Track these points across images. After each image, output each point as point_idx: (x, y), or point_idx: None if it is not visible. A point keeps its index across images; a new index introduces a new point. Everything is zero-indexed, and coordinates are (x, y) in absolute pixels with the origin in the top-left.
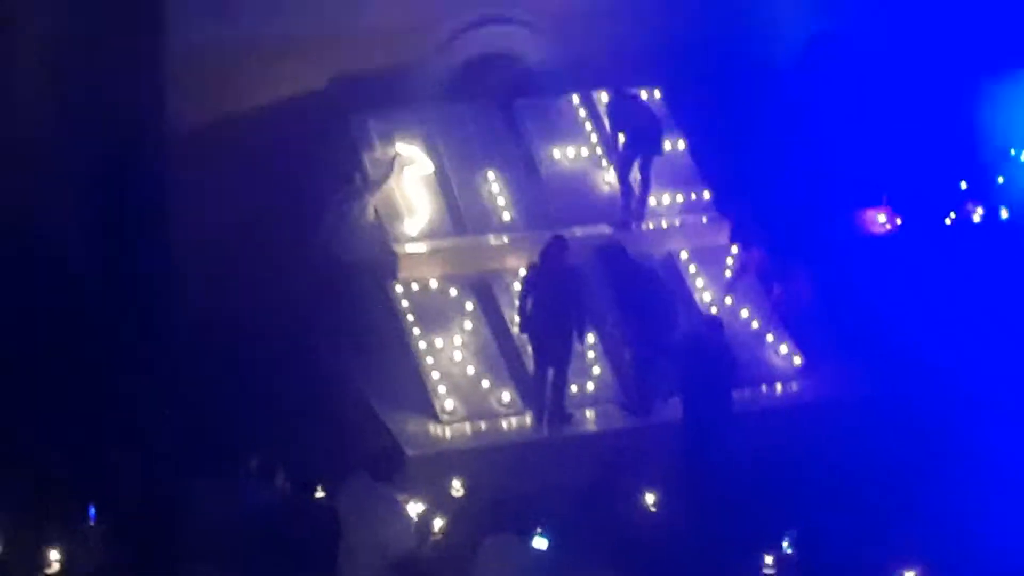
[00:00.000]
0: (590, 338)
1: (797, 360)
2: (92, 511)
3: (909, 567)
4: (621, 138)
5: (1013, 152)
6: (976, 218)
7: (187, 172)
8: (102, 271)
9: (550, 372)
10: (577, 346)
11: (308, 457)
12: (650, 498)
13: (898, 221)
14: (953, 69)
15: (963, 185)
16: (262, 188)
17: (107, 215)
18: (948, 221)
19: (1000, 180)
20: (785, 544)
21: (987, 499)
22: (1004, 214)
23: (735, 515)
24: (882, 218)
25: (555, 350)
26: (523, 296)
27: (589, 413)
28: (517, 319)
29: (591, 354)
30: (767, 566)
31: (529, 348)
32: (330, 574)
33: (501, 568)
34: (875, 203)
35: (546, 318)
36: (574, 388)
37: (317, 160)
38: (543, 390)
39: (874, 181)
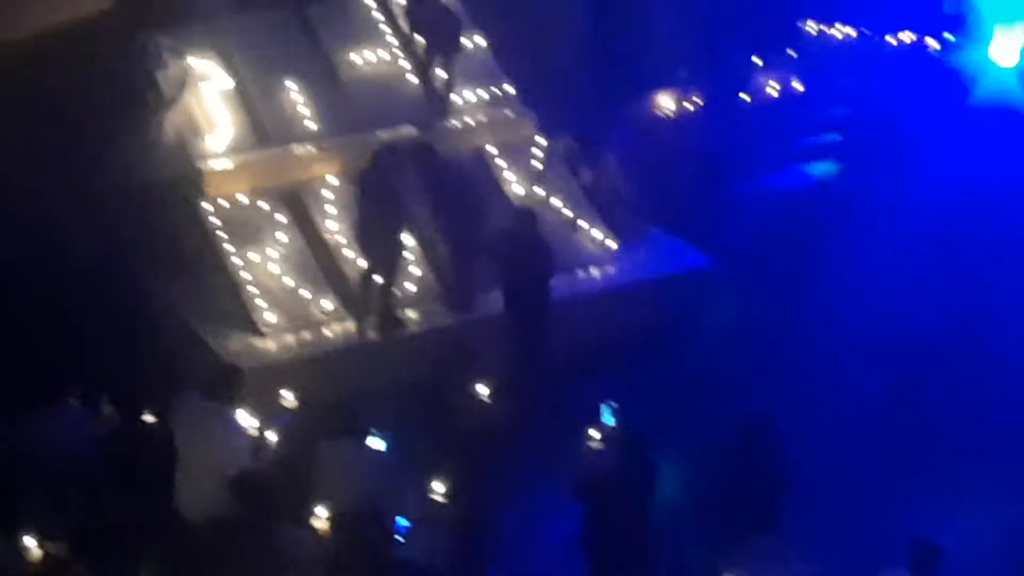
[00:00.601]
0: (408, 239)
1: (611, 244)
2: None
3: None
4: (419, 38)
5: (802, 24)
6: (771, 93)
7: None
8: None
9: (380, 277)
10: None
11: (133, 382)
12: (480, 390)
13: (696, 99)
14: None
15: (756, 60)
16: (54, 116)
17: None
18: (744, 97)
19: (791, 53)
20: (607, 416)
21: (807, 365)
22: (798, 87)
23: (561, 396)
24: (680, 99)
25: (386, 256)
26: (354, 204)
27: (412, 313)
28: (346, 228)
29: (410, 255)
30: (593, 439)
31: (347, 253)
32: (169, 498)
33: (341, 471)
34: (673, 84)
35: (376, 225)
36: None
37: (108, 82)
38: (371, 295)
39: (671, 62)
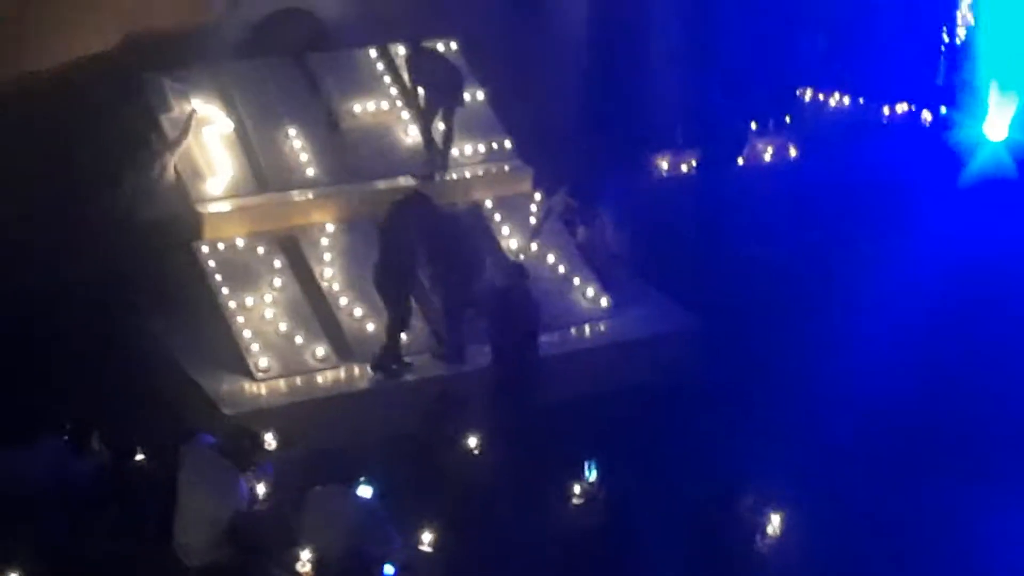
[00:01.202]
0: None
1: (604, 302)
2: None
3: (733, 494)
4: (421, 91)
5: (799, 91)
6: (767, 157)
7: None
8: None
9: (391, 323)
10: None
11: (124, 423)
12: (468, 442)
13: (693, 163)
14: (738, 8)
15: (753, 125)
16: (57, 154)
17: None
18: (740, 161)
19: (788, 119)
20: (590, 474)
21: (794, 428)
22: (793, 152)
23: (548, 451)
24: (676, 159)
25: (398, 303)
26: (382, 249)
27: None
28: (353, 274)
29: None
30: (576, 496)
31: (342, 300)
32: (159, 537)
33: (329, 517)
34: (671, 146)
35: (391, 272)
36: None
37: (113, 123)
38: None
39: (669, 124)
